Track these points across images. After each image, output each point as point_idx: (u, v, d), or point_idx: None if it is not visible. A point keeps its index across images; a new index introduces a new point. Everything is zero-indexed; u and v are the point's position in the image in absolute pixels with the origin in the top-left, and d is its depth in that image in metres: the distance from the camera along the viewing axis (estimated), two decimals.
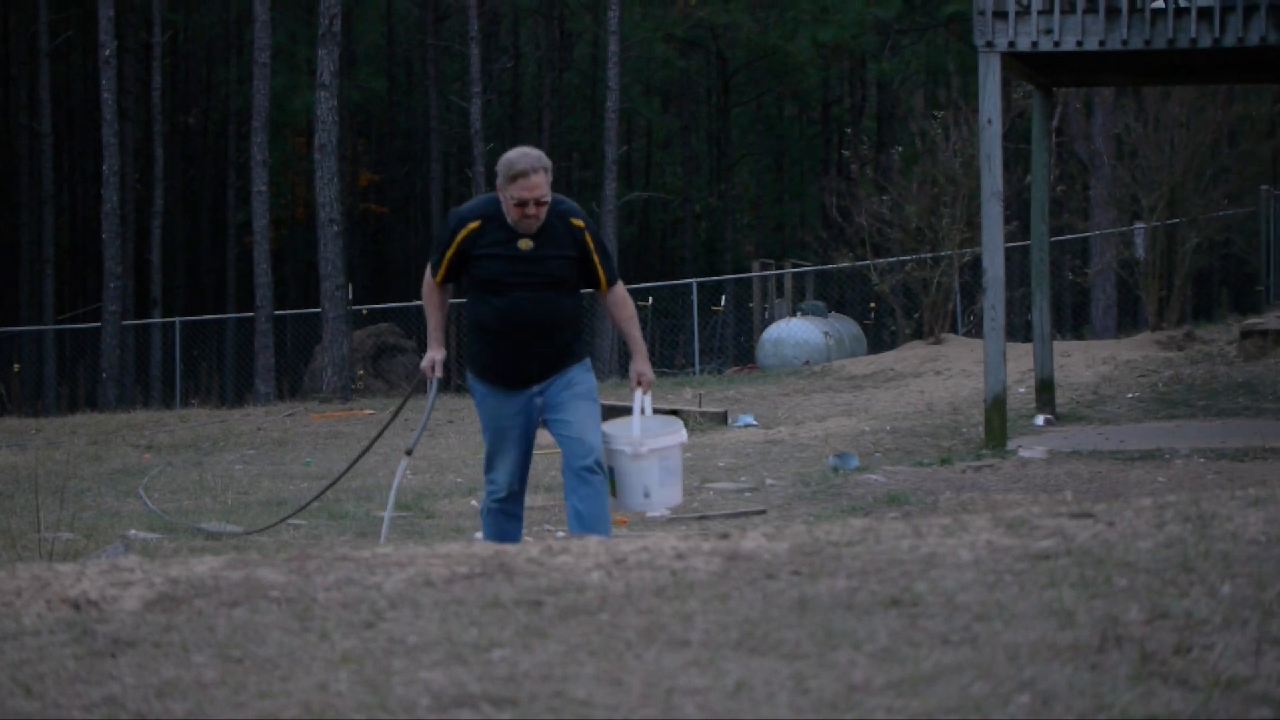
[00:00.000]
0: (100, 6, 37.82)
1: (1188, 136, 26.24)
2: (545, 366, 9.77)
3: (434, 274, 9.94)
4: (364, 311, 37.99)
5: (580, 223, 9.80)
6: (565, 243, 9.73)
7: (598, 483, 9.69)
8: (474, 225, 9.67)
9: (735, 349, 37.69)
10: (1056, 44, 16.12)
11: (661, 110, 60.07)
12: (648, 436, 9.70)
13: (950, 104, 28.93)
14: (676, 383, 27.59)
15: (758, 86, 56.88)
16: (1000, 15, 16.08)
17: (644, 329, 21.58)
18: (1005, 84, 17.58)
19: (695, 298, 35.53)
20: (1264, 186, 27.85)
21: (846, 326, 31.58)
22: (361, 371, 35.31)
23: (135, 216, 47.61)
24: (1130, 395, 19.97)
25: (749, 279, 36.48)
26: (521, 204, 9.56)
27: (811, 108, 60.16)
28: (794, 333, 29.72)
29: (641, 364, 9.92)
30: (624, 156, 50.74)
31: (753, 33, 50.65)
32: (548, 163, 9.79)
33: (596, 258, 9.87)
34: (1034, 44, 16.15)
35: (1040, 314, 18.73)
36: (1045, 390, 18.69)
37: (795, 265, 36.52)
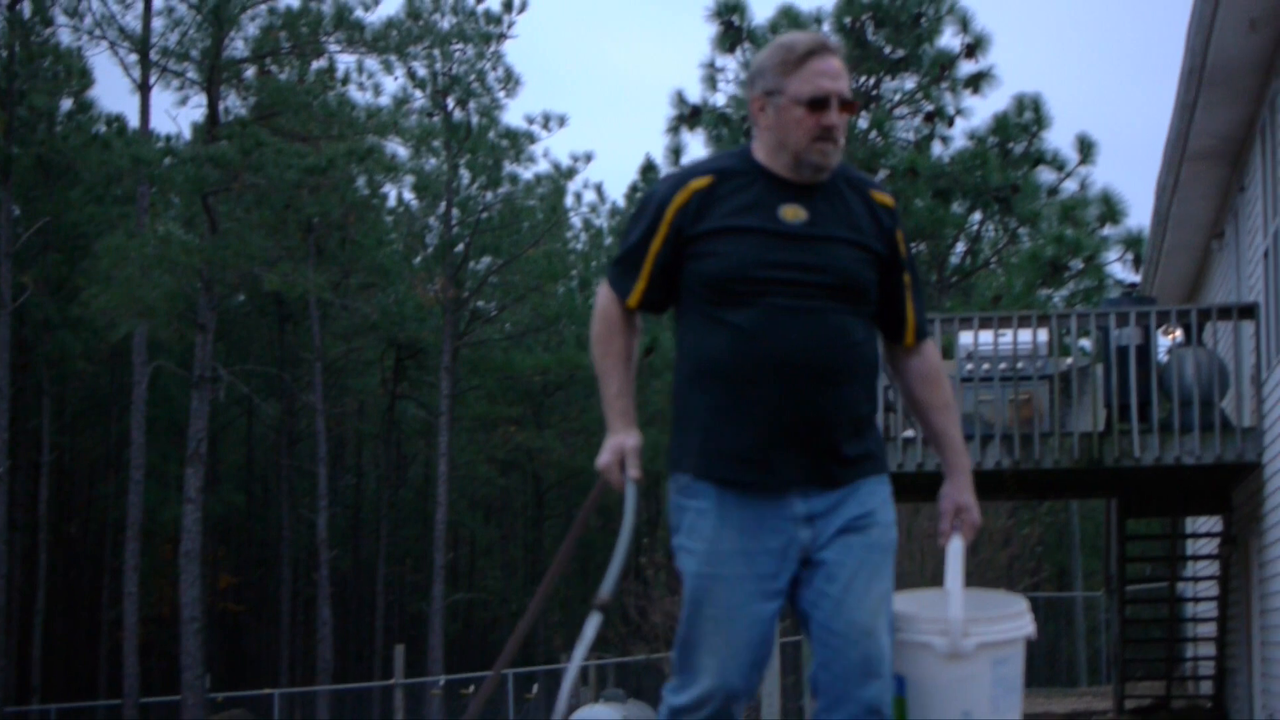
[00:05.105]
0: None
1: (936, 546, 26.33)
2: (826, 455, 4.59)
3: (622, 290, 4.76)
4: (219, 699, 36.94)
5: (890, 201, 4.75)
6: (863, 224, 4.67)
7: None
8: (700, 184, 4.64)
9: None
10: None
11: (484, 522, 59.72)
12: (976, 622, 4.74)
13: None
14: None
15: (568, 501, 56.81)
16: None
17: None
18: None
19: (511, 687, 34.99)
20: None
21: (642, 710, 31.01)
22: None
23: (20, 614, 46.34)
24: None
25: (558, 670, 35.96)
26: (819, 103, 4.56)
27: (613, 520, 60.12)
28: (596, 715, 29.10)
29: (962, 489, 4.83)
30: (451, 563, 50.25)
31: (563, 455, 50.71)
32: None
33: (908, 278, 4.79)
34: None
35: None
36: None
37: (599, 658, 36.05)
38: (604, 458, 4.76)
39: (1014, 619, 4.84)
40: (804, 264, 4.57)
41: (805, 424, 4.57)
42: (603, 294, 4.83)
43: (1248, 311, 15.76)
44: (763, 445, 4.56)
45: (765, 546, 4.58)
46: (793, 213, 4.60)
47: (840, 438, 4.62)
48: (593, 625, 5.11)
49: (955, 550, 4.85)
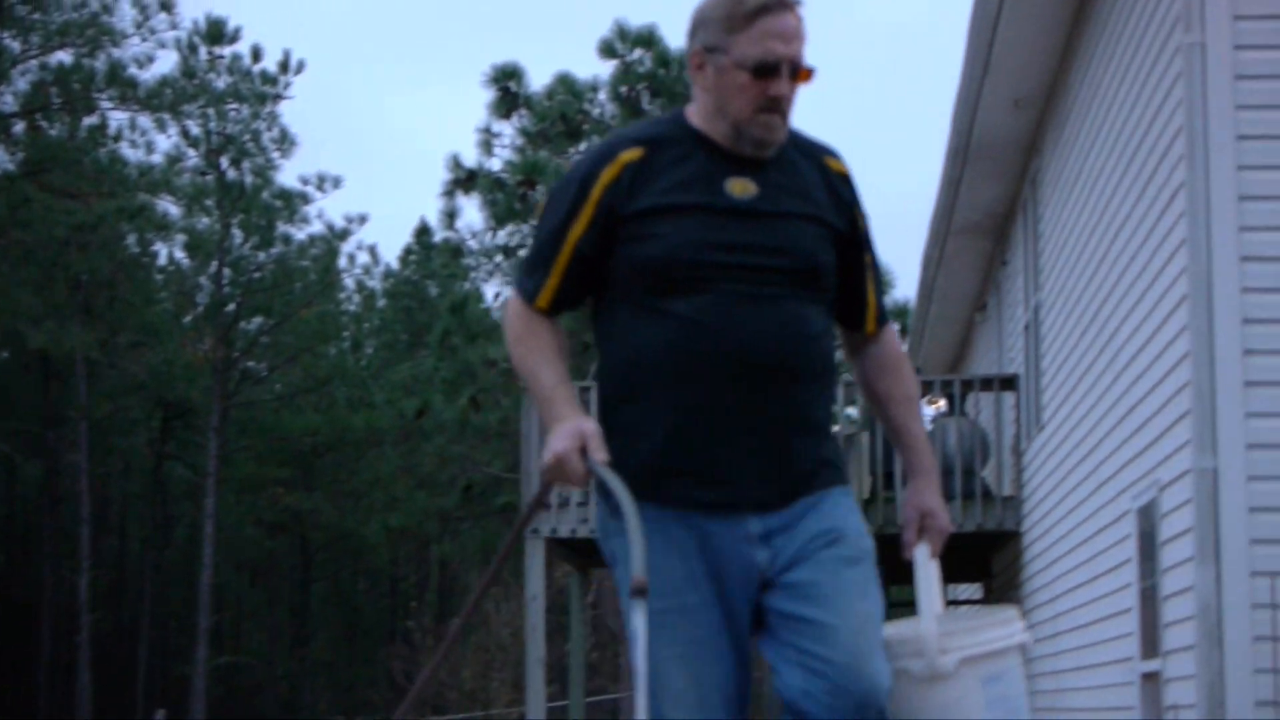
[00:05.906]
0: None
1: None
2: (784, 465, 3.91)
3: (528, 291, 4.00)
4: None
5: (846, 170, 4.07)
6: (819, 197, 3.99)
7: None
8: (631, 155, 3.90)
9: None
10: (592, 531, 16.01)
11: (250, 584, 58.86)
12: (953, 635, 4.04)
13: (502, 581, 28.74)
14: None
15: (336, 564, 56.25)
16: (544, 505, 15.97)
17: None
18: (549, 565, 17.41)
19: None
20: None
21: None
22: None
23: None
24: None
25: None
26: (767, 69, 3.83)
27: (381, 583, 59.56)
28: None
29: (926, 493, 4.19)
30: (215, 625, 49.36)
31: (332, 518, 50.22)
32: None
33: (869, 258, 4.13)
34: (573, 531, 16.04)
35: None
36: None
37: None
38: (561, 444, 3.78)
39: (1000, 626, 4.10)
40: (759, 245, 3.88)
41: (761, 429, 3.87)
42: (511, 302, 4.05)
43: (1009, 383, 16.04)
44: (713, 456, 3.86)
45: (724, 569, 3.88)
46: (741, 186, 3.90)
47: (799, 445, 3.92)
48: (640, 613, 3.68)
49: (922, 561, 4.18)
